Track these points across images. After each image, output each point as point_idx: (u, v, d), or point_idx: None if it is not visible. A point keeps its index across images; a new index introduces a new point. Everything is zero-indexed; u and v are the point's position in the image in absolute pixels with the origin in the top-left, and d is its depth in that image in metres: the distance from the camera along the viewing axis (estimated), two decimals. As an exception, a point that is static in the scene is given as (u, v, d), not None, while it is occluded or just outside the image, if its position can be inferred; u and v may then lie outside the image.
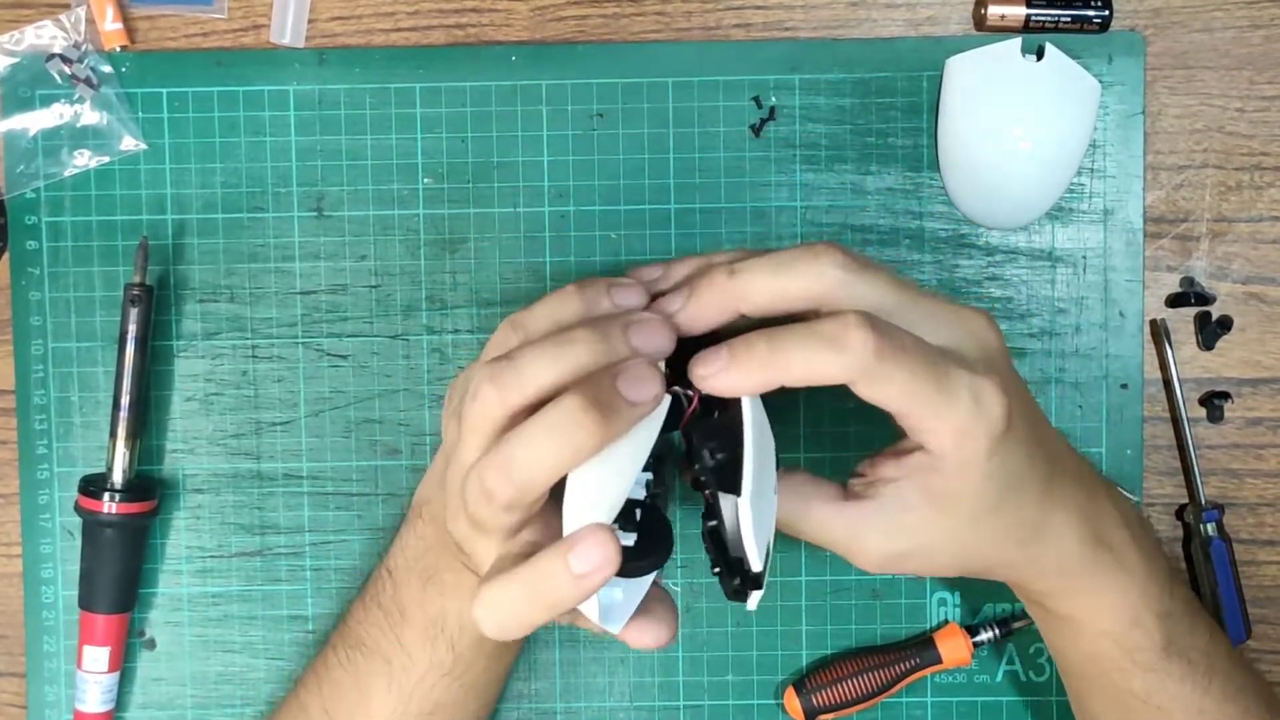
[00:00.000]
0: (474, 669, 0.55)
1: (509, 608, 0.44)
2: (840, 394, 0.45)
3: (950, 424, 0.45)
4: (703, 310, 0.47)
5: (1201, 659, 0.53)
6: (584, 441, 0.43)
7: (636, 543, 0.47)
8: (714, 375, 0.45)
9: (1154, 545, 0.53)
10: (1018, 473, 0.48)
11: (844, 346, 0.44)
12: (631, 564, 0.45)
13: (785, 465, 0.49)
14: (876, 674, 0.61)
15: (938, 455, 0.46)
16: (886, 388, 0.44)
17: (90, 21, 0.62)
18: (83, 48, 0.61)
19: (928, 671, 0.62)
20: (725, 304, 0.47)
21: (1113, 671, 0.52)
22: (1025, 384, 0.51)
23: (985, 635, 0.62)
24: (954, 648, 0.61)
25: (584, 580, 0.42)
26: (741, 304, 0.47)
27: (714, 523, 0.47)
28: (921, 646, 0.62)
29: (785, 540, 0.63)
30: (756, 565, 0.44)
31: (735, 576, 0.46)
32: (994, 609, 0.63)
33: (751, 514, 0.44)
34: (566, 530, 0.43)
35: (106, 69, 0.62)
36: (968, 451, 0.46)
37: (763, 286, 0.46)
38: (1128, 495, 0.55)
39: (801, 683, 0.62)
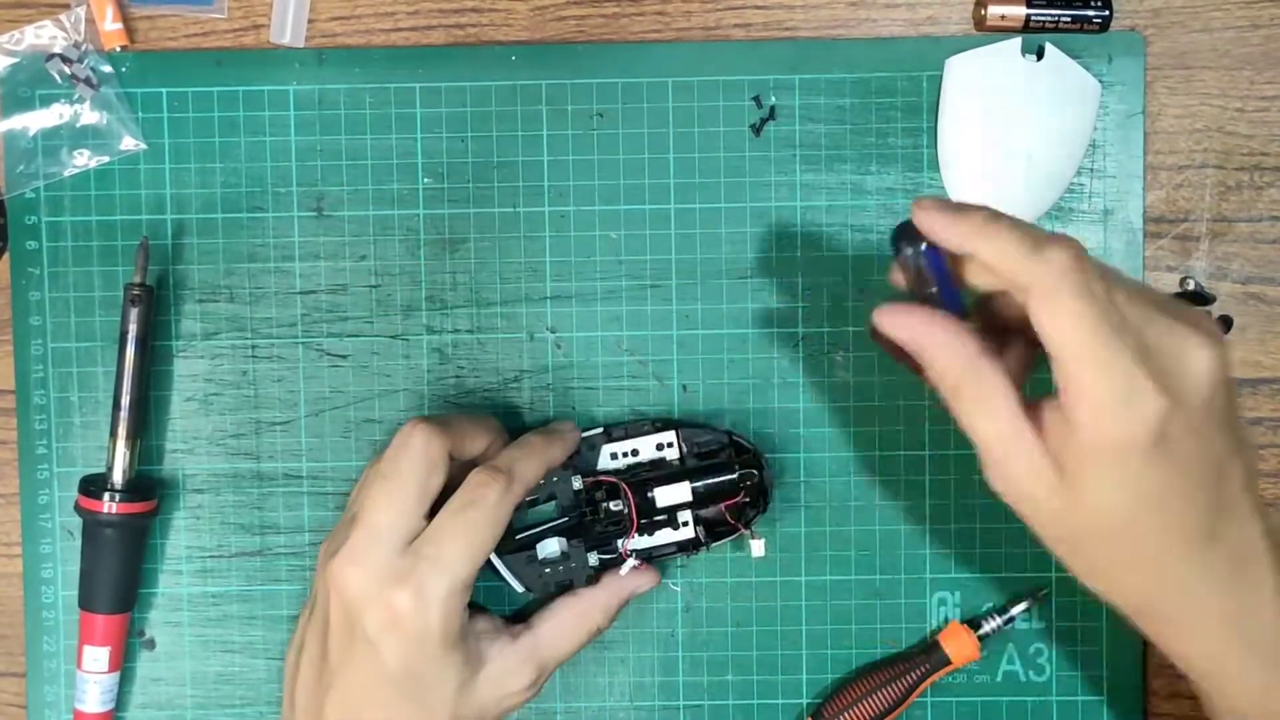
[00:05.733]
0: None
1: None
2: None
3: (1091, 398, 0.44)
4: (949, 224, 0.47)
5: None
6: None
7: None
8: (927, 213, 0.47)
9: None
10: (1162, 497, 0.45)
11: (1043, 256, 0.44)
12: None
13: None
14: (890, 688, 0.61)
15: (1072, 425, 0.45)
16: (1057, 321, 0.44)
17: (90, 21, 0.62)
18: (83, 48, 0.61)
19: (941, 674, 0.61)
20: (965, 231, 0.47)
21: None
22: (1237, 429, 0.47)
23: (989, 626, 0.61)
24: (960, 645, 0.61)
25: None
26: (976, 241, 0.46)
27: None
28: (928, 651, 0.61)
29: (786, 540, 0.63)
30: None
31: None
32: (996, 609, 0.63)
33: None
34: None
35: (106, 69, 0.62)
36: (1100, 437, 0.44)
37: (1000, 242, 0.46)
38: None
39: (819, 712, 0.61)
